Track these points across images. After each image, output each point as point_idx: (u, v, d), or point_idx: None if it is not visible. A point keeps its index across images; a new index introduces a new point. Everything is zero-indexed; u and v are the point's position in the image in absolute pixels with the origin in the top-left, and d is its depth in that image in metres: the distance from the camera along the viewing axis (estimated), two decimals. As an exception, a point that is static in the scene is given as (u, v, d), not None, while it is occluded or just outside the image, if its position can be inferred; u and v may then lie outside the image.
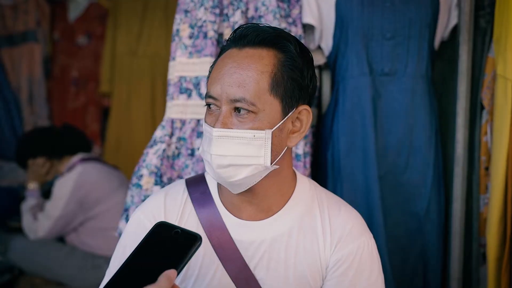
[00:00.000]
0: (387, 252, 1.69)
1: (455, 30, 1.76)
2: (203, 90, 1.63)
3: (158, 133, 1.67)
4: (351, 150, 1.74)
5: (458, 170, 1.69)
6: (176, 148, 1.66)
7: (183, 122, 1.66)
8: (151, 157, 1.65)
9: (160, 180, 1.63)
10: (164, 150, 1.65)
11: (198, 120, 1.66)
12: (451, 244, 1.70)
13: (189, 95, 1.66)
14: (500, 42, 1.54)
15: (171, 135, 1.66)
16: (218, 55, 1.09)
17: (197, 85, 1.65)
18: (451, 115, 1.76)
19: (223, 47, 1.09)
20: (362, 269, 1.10)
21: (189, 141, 1.65)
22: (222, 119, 1.00)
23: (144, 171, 1.67)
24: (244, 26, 1.07)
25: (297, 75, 1.03)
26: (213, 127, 1.01)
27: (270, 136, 1.01)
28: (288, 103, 1.03)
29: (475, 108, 1.70)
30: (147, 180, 1.64)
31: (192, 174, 1.62)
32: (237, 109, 1.00)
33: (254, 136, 1.00)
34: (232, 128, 1.00)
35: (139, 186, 1.69)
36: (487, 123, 1.67)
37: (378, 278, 1.12)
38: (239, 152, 1.00)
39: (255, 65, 1.00)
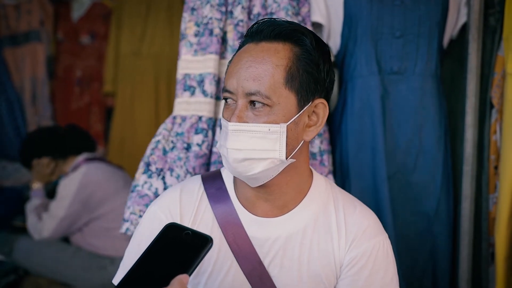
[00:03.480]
0: (396, 252, 1.68)
1: (464, 29, 1.75)
2: (207, 87, 1.64)
3: (160, 128, 1.68)
4: (360, 149, 1.74)
5: (467, 169, 1.68)
6: (172, 142, 1.66)
7: (183, 118, 1.66)
8: (148, 149, 1.66)
9: (148, 169, 1.63)
10: (158, 142, 1.65)
11: (200, 117, 1.65)
12: (460, 244, 1.69)
13: (193, 93, 1.66)
14: (510, 40, 1.54)
15: (171, 130, 1.66)
16: (236, 51, 1.10)
17: (200, 82, 1.65)
18: (460, 114, 1.75)
19: (241, 43, 1.10)
20: (377, 269, 1.09)
21: (186, 135, 1.64)
22: (238, 113, 1.01)
23: (141, 163, 1.68)
24: (261, 21, 1.08)
25: (312, 69, 1.03)
26: (229, 121, 1.02)
27: (285, 130, 1.01)
28: (304, 97, 1.03)
29: (484, 107, 1.69)
30: (140, 171, 1.65)
31: (183, 168, 1.61)
32: (253, 103, 1.01)
33: (269, 129, 1.00)
34: (247, 122, 1.01)
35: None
36: (496, 122, 1.66)
37: (393, 279, 1.11)
38: (254, 146, 1.01)
39: (270, 58, 1.01)
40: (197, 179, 1.19)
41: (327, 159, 1.69)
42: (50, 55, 3.75)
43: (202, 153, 1.62)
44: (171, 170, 1.63)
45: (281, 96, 1.00)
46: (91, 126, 3.71)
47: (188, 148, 1.64)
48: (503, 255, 1.57)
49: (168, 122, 1.68)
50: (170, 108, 3.43)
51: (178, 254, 0.80)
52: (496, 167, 1.67)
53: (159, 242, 0.83)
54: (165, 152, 1.65)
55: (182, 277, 0.76)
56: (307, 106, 1.04)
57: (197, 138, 1.63)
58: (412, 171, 1.74)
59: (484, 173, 1.69)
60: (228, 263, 1.10)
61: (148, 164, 1.65)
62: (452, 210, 1.78)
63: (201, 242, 0.81)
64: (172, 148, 1.65)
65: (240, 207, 1.12)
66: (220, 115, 1.63)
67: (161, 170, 1.64)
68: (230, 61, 1.08)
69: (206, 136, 1.63)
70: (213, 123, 1.65)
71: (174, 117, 1.68)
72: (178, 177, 1.61)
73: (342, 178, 1.78)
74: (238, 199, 1.13)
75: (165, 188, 1.62)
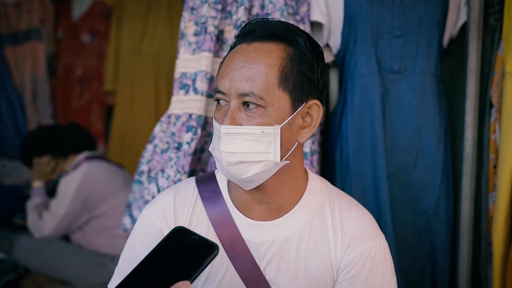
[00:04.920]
0: (395, 251, 1.68)
1: (464, 28, 1.76)
2: (198, 85, 1.63)
3: (156, 128, 1.68)
4: (360, 149, 1.74)
5: (466, 169, 1.68)
6: (167, 142, 1.66)
7: (177, 117, 1.66)
8: (150, 153, 1.65)
9: (149, 175, 1.64)
10: (155, 146, 1.65)
11: (190, 115, 1.65)
12: (460, 243, 1.70)
13: (187, 91, 1.66)
14: (509, 39, 1.53)
15: (166, 130, 1.66)
16: (228, 52, 1.08)
17: (193, 80, 1.65)
18: (459, 113, 1.76)
19: (233, 44, 1.08)
20: (375, 272, 1.08)
21: (177, 135, 1.64)
22: (231, 114, 0.99)
23: (144, 167, 1.67)
24: (253, 21, 1.06)
25: (306, 69, 1.02)
26: (221, 123, 1.00)
27: (279, 131, 0.99)
28: (298, 97, 1.01)
29: (484, 106, 1.69)
30: (146, 177, 1.64)
31: (174, 168, 1.61)
32: (246, 104, 0.99)
33: (263, 132, 0.98)
34: (241, 124, 0.99)
35: (139, 182, 1.69)
36: (496, 121, 1.66)
37: (391, 280, 1.10)
38: (248, 149, 0.99)
39: (263, 59, 0.99)
40: (191, 181, 1.17)
41: (316, 159, 1.70)
42: (51, 54, 3.76)
43: (191, 151, 1.61)
44: (162, 171, 1.63)
45: (274, 96, 0.98)
46: (91, 124, 3.72)
47: (179, 147, 1.63)
48: (500, 253, 1.57)
49: (164, 122, 1.67)
50: (170, 107, 3.44)
51: (183, 259, 0.79)
52: (495, 166, 1.67)
53: (165, 245, 0.81)
54: (160, 153, 1.65)
55: (182, 284, 0.74)
56: (301, 107, 1.03)
57: (187, 137, 1.62)
58: (412, 170, 1.75)
59: (484, 172, 1.69)
60: (224, 267, 1.09)
61: (149, 171, 1.65)
62: (451, 209, 1.78)
63: (207, 249, 0.80)
64: (167, 149, 1.65)
65: (234, 210, 1.11)
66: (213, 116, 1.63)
67: (156, 174, 1.64)
68: (222, 62, 1.07)
69: (195, 134, 1.62)
70: (203, 121, 1.64)
71: (169, 116, 1.68)
72: (168, 177, 1.60)
73: (342, 177, 1.78)
74: (232, 202, 1.11)
75: (159, 191, 1.61)
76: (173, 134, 1.65)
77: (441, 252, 1.76)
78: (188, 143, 1.61)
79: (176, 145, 1.64)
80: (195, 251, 0.80)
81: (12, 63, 3.71)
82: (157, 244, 0.81)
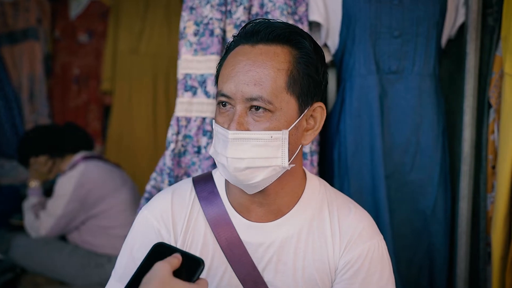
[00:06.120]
0: (393, 251, 1.68)
1: (462, 28, 1.76)
2: (209, 88, 1.63)
3: (169, 133, 1.68)
4: (358, 149, 1.74)
5: (465, 169, 1.68)
6: (182, 145, 1.66)
7: (188, 120, 1.66)
8: (167, 160, 1.65)
9: (175, 180, 1.63)
10: (173, 150, 1.65)
11: (204, 118, 1.65)
12: (458, 243, 1.70)
13: (194, 93, 1.66)
14: (508, 40, 1.54)
15: (178, 133, 1.66)
16: (226, 52, 1.06)
17: (203, 82, 1.65)
18: (458, 114, 1.76)
19: (231, 44, 1.06)
20: (372, 272, 1.08)
21: (195, 139, 1.65)
22: (238, 119, 0.97)
23: (161, 177, 1.68)
24: (255, 21, 1.04)
25: (312, 72, 1.01)
26: (228, 128, 0.98)
27: (287, 136, 0.98)
28: (304, 101, 1.01)
29: (483, 107, 1.70)
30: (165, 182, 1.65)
31: (199, 172, 1.62)
32: (254, 108, 0.97)
33: (271, 137, 0.97)
34: (248, 129, 0.97)
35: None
36: (494, 122, 1.66)
37: (389, 280, 1.10)
38: (256, 154, 0.97)
39: (271, 62, 0.97)
40: (189, 182, 1.16)
41: (316, 159, 1.70)
42: (48, 53, 3.75)
43: (208, 155, 1.62)
44: (188, 175, 1.63)
45: (283, 101, 0.97)
46: (88, 124, 3.70)
47: (199, 151, 1.64)
48: (499, 254, 1.57)
49: (174, 125, 1.67)
50: (167, 106, 3.43)
51: None
52: (493, 167, 1.67)
53: (147, 263, 0.78)
54: (175, 156, 1.65)
55: (177, 255, 0.76)
56: (306, 110, 1.02)
57: (204, 141, 1.63)
58: (410, 170, 1.75)
59: (482, 173, 1.69)
60: (222, 268, 1.08)
61: (174, 176, 1.64)
62: (449, 209, 1.79)
63: (193, 265, 0.78)
64: (184, 152, 1.65)
65: (233, 211, 1.10)
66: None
67: (177, 176, 1.64)
68: (220, 64, 1.05)
69: (210, 138, 1.63)
70: None
71: (178, 119, 1.67)
72: None
73: (340, 177, 1.78)
74: (230, 203, 1.11)
75: None
76: (189, 137, 1.65)
77: (439, 251, 1.77)
78: (205, 147, 1.63)
79: (196, 149, 1.64)
80: (180, 268, 0.77)
81: (9, 62, 3.69)
82: (140, 264, 0.79)
